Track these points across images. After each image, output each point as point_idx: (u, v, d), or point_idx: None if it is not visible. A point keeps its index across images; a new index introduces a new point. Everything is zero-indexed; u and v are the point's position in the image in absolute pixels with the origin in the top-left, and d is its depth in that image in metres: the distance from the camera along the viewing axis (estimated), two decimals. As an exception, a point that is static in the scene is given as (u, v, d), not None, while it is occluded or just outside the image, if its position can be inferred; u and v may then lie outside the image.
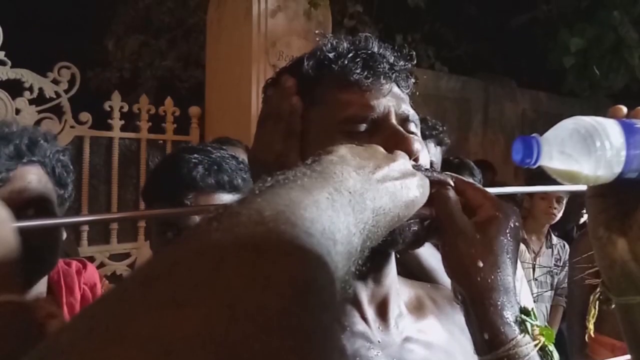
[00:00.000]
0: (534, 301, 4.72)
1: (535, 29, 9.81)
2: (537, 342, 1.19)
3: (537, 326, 1.22)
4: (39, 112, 6.34)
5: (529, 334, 1.19)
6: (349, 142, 1.07)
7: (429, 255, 1.99)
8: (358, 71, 1.28)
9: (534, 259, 5.68)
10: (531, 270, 5.59)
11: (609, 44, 8.75)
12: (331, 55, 1.31)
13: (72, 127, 6.55)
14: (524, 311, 1.23)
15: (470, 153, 9.15)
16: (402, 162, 1.02)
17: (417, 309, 1.45)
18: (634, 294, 1.21)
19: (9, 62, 6.08)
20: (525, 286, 3.94)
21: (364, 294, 1.31)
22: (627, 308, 1.23)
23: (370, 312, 1.32)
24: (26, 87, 6.23)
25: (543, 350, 1.20)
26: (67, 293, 1.97)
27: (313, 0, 7.23)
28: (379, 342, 1.29)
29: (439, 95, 9.56)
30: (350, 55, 1.30)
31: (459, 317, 1.37)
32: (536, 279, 5.60)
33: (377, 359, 1.27)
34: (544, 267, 5.60)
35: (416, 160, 1.21)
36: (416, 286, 1.53)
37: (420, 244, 1.27)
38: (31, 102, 6.28)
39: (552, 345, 1.22)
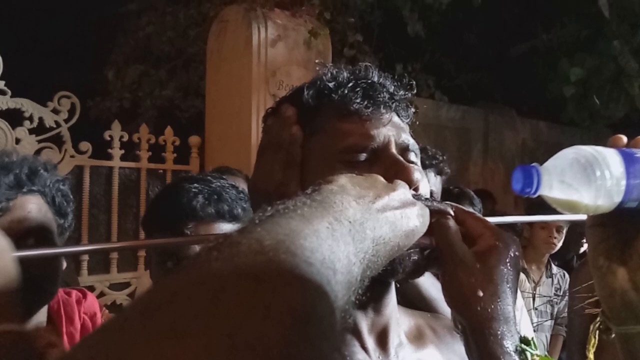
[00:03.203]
0: (534, 331, 4.72)
1: (535, 58, 9.84)
2: None
3: (538, 355, 1.22)
4: (39, 141, 6.35)
5: None
6: (349, 171, 1.09)
7: (429, 284, 2.00)
8: (358, 100, 1.29)
9: (534, 289, 5.67)
10: (531, 299, 5.58)
11: (609, 74, 8.77)
12: (331, 84, 1.32)
13: (72, 156, 6.55)
14: (524, 340, 1.23)
15: (470, 182, 9.16)
16: (402, 192, 1.02)
17: (417, 338, 1.45)
18: (633, 323, 1.21)
19: (9, 92, 6.10)
20: (525, 315, 3.93)
21: (364, 323, 1.31)
22: (627, 337, 1.23)
23: (370, 341, 1.32)
24: (26, 116, 6.23)
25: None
26: (67, 322, 1.97)
27: (313, 30, 7.27)
28: None
29: (439, 125, 9.57)
30: (351, 84, 1.31)
31: (459, 347, 1.39)
32: (536, 309, 5.60)
33: None
34: (544, 296, 5.59)
35: (416, 189, 1.22)
36: (416, 315, 1.54)
37: (421, 274, 1.27)
38: (31, 131, 6.29)
39: None
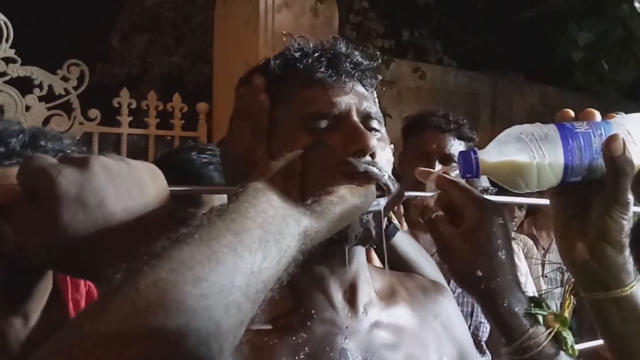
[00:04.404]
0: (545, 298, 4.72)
1: (543, 23, 9.74)
2: (550, 329, 1.26)
3: (551, 314, 1.27)
4: (49, 109, 6.42)
5: (540, 324, 1.27)
6: (310, 137, 1.24)
7: (407, 244, 2.01)
8: (322, 70, 1.32)
9: (544, 256, 5.64)
10: (540, 266, 5.56)
11: (618, 38, 8.69)
12: (297, 54, 1.37)
13: (81, 123, 6.60)
14: (536, 302, 1.28)
15: (478, 148, 9.08)
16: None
17: (389, 296, 1.48)
18: (600, 290, 1.25)
19: (19, 60, 6.15)
20: (530, 281, 3.97)
21: (331, 280, 1.34)
22: (593, 302, 1.27)
23: (338, 298, 1.35)
24: (36, 84, 6.31)
25: (557, 337, 1.25)
26: (73, 289, 1.96)
27: (319, -4, 7.24)
28: (347, 328, 1.32)
29: (447, 91, 9.56)
30: (316, 54, 1.35)
31: (432, 305, 1.51)
32: (545, 276, 5.57)
33: (345, 345, 1.30)
34: (554, 263, 5.55)
35: (372, 156, 1.26)
36: (389, 275, 1.57)
37: (374, 241, 1.30)
38: (41, 99, 6.36)
39: (567, 330, 1.27)
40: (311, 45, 1.39)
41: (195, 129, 7.42)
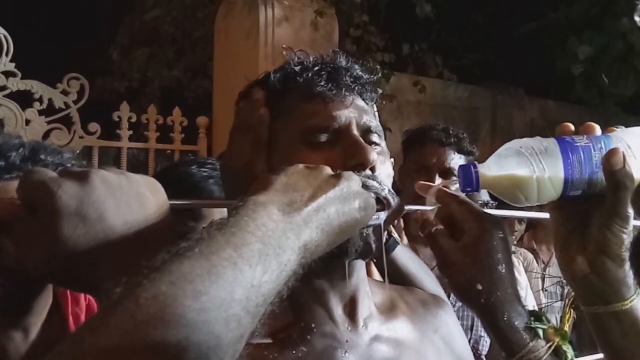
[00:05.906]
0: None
1: (543, 37, 9.74)
2: (550, 343, 1.27)
3: (551, 327, 1.27)
4: (49, 122, 6.41)
5: (540, 337, 1.27)
6: (311, 151, 1.22)
7: (407, 258, 2.02)
8: (322, 83, 1.33)
9: (544, 269, 5.62)
10: (540, 280, 5.54)
11: (618, 52, 8.69)
12: (297, 68, 1.37)
13: (81, 137, 6.59)
14: (536, 316, 1.28)
15: (478, 162, 9.05)
16: (344, 185, 1.03)
17: (389, 309, 1.47)
18: (600, 304, 1.25)
19: (19, 74, 6.15)
20: (530, 295, 3.96)
21: (331, 294, 1.34)
22: (593, 316, 1.27)
23: (338, 312, 1.34)
24: (36, 98, 6.29)
25: (557, 350, 1.25)
26: (73, 303, 1.96)
27: (319, 9, 7.26)
28: (346, 341, 1.32)
29: (447, 104, 9.54)
30: (316, 68, 1.36)
31: (432, 318, 1.50)
32: (545, 290, 5.55)
33: (345, 358, 1.29)
34: (554, 277, 5.54)
35: (372, 169, 1.25)
36: (389, 289, 1.57)
37: (374, 255, 1.30)
38: (41, 112, 6.34)
39: (567, 344, 1.27)
40: (311, 59, 1.39)
41: (195, 142, 7.40)
